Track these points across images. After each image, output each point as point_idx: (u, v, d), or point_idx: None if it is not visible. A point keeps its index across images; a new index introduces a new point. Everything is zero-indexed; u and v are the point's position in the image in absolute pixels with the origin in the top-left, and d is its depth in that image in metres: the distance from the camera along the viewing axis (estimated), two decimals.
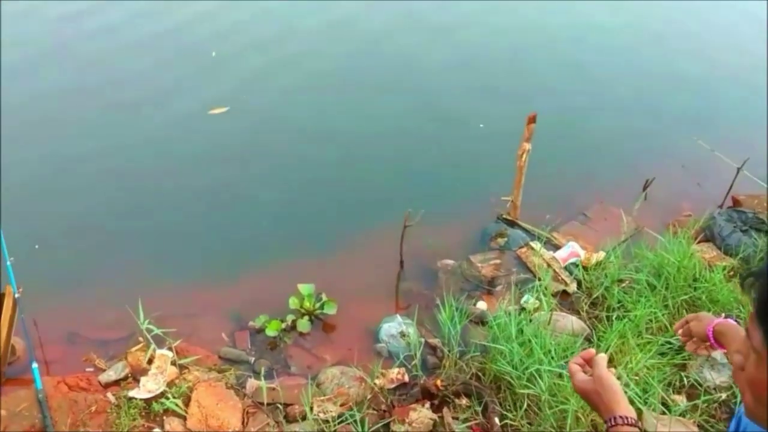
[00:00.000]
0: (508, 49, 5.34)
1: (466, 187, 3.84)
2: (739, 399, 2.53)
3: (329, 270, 3.35)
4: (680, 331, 1.69)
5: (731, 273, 3.16)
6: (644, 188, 3.87)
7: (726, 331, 1.53)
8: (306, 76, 4.83)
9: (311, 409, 2.60)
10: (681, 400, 2.58)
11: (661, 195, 3.85)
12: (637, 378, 2.56)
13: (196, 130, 4.32)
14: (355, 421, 2.49)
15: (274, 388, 2.73)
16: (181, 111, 4.43)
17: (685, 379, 2.67)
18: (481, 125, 4.30)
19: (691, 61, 5.29)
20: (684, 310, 2.94)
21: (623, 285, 3.14)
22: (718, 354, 2.74)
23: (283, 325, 3.07)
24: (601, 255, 3.34)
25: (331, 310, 3.13)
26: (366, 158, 4.12)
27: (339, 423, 2.54)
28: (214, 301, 3.19)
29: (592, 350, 1.43)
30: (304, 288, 3.15)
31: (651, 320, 2.84)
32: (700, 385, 2.65)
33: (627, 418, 1.27)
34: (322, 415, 2.59)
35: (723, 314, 1.81)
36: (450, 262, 3.41)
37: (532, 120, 3.24)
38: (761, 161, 3.85)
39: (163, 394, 2.62)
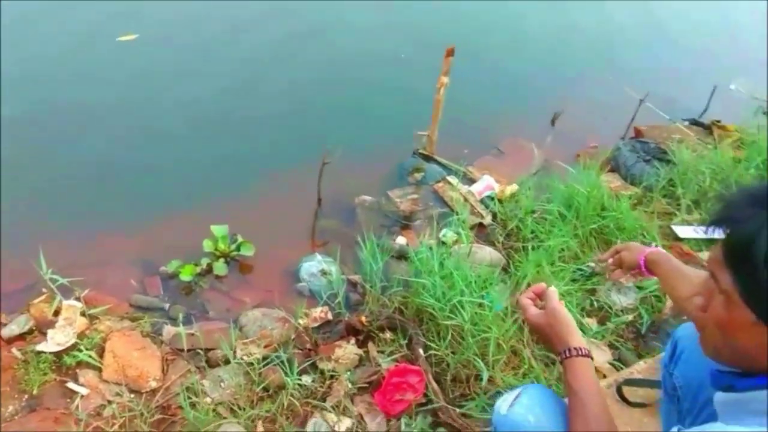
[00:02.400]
0: None
1: (383, 122, 3.79)
2: (646, 319, 2.70)
3: (244, 211, 3.23)
4: (611, 260, 1.75)
5: (635, 202, 3.32)
6: (553, 122, 3.96)
7: (658, 259, 1.59)
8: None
9: (234, 352, 2.54)
10: (593, 323, 2.71)
11: (569, 128, 3.96)
12: None
13: (103, 58, 3.97)
14: (282, 361, 2.46)
15: (193, 334, 2.64)
16: (86, 35, 4.04)
17: (595, 303, 2.81)
18: (403, 55, 4.20)
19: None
20: (593, 238, 3.07)
21: (536, 216, 3.23)
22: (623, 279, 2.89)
23: (198, 269, 2.95)
24: (515, 188, 3.42)
25: (247, 251, 3.04)
26: (280, 95, 3.95)
27: (265, 365, 2.50)
28: (121, 246, 3.01)
29: (543, 284, 1.45)
30: (218, 229, 3.03)
31: (563, 249, 2.95)
32: (610, 308, 2.79)
33: (581, 349, 1.30)
34: (246, 358, 2.53)
35: (653, 243, 1.89)
36: (368, 198, 3.38)
37: (450, 53, 3.19)
38: (662, 93, 4.03)
39: (74, 347, 2.47)
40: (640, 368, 2.34)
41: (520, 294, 1.46)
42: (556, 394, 1.39)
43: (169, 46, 4.20)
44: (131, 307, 2.81)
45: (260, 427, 2.30)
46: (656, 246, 1.67)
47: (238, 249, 3.04)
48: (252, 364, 2.49)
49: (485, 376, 2.39)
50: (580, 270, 2.88)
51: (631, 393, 2.21)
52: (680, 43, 5.11)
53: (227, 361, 2.54)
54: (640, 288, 2.85)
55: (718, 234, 0.96)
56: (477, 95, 4.05)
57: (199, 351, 2.58)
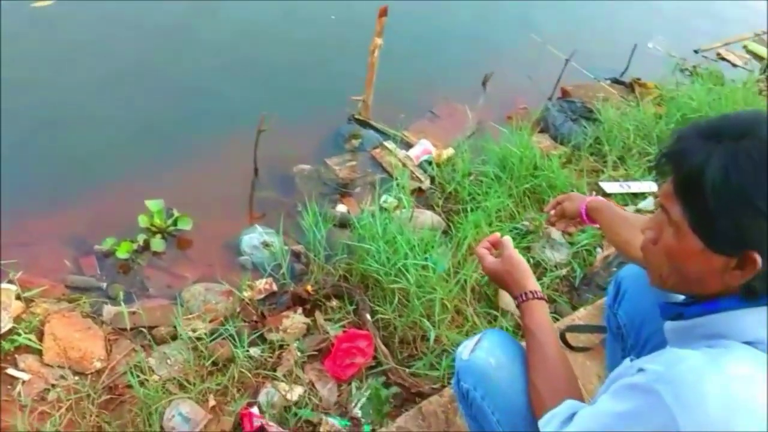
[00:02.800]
0: None
1: (317, 88, 3.74)
2: (579, 273, 2.83)
3: (179, 184, 3.16)
4: (552, 212, 1.82)
5: (565, 160, 3.44)
6: (484, 84, 4.02)
7: (599, 207, 1.66)
8: None
9: (179, 328, 2.51)
10: None
11: (500, 90, 4.03)
12: None
13: (18, 25, 3.73)
14: (231, 335, 2.45)
15: (135, 312, 2.58)
16: None
17: (531, 260, 2.92)
18: (333, 16, 4.13)
19: None
20: (527, 198, 3.17)
21: (473, 178, 3.30)
22: (556, 234, 3.01)
23: (135, 246, 2.88)
24: (451, 151, 3.47)
25: (185, 225, 2.97)
26: (209, 62, 3.83)
27: (213, 339, 2.48)
28: (52, 226, 2.89)
29: (497, 234, 1.50)
30: (153, 204, 2.94)
31: (500, 209, 3.03)
32: (544, 265, 2.91)
33: (536, 292, 1.36)
34: (193, 334, 2.50)
35: (593, 193, 1.97)
36: (306, 167, 3.36)
37: (383, 13, 3.18)
38: (586, 53, 4.14)
39: (11, 331, 2.37)
40: (580, 315, 2.47)
41: (476, 245, 1.51)
42: (514, 338, 1.45)
43: (92, 11, 3.98)
44: (68, 288, 2.72)
45: (212, 401, 2.29)
46: (595, 196, 1.75)
47: (175, 224, 2.97)
48: (199, 339, 2.47)
49: (432, 335, 2.46)
50: (517, 229, 2.98)
51: (574, 339, 2.33)
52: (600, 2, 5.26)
53: (174, 338, 2.51)
54: (572, 244, 2.97)
55: (668, 168, 1.02)
56: (409, 59, 4.05)
57: (143, 329, 2.53)
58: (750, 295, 0.99)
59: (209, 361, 2.38)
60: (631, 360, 1.05)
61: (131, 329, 2.55)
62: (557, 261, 2.94)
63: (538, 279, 2.82)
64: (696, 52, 4.57)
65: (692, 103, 3.57)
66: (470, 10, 4.70)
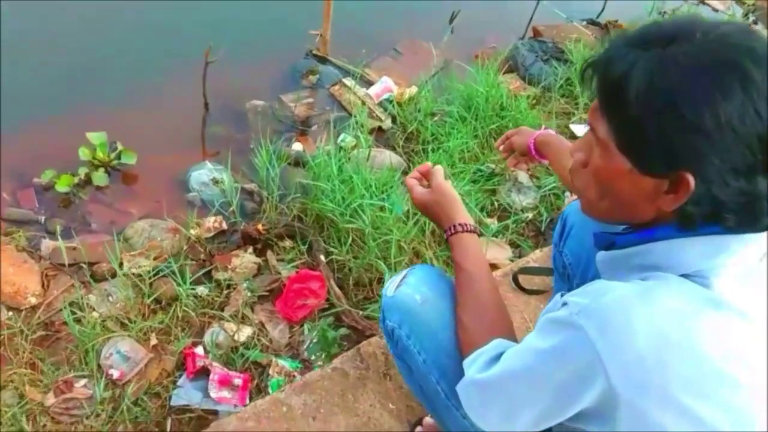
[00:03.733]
0: None
1: (271, 19, 3.52)
2: (545, 216, 2.75)
3: (123, 117, 2.96)
4: (501, 147, 1.71)
5: (534, 101, 3.33)
6: (451, 21, 3.85)
7: (547, 141, 1.56)
8: None
9: (121, 265, 2.37)
10: (493, 222, 2.73)
11: (468, 28, 3.86)
12: None
13: None
14: (173, 272, 2.32)
15: (74, 248, 2.43)
16: None
17: (495, 203, 2.83)
18: None
19: None
20: (492, 139, 3.06)
21: (436, 118, 3.17)
22: (524, 177, 2.92)
23: (76, 180, 2.70)
24: (414, 90, 3.33)
25: (129, 159, 2.80)
26: None
27: (156, 277, 2.35)
28: None
29: (429, 163, 1.39)
30: (95, 136, 2.76)
31: (463, 150, 2.92)
32: (510, 208, 2.82)
33: (466, 224, 1.26)
34: (134, 270, 2.37)
35: (543, 126, 1.86)
36: (259, 102, 3.18)
37: None
38: None
39: None
40: (535, 257, 2.40)
41: (407, 177, 1.41)
42: (444, 273, 1.37)
43: None
44: (4, 222, 2.55)
45: (153, 340, 2.18)
46: (546, 129, 1.64)
47: (118, 157, 2.80)
48: (141, 276, 2.34)
49: (387, 277, 2.36)
50: (481, 171, 2.88)
51: (527, 281, 2.26)
52: None
53: (114, 275, 2.37)
54: (539, 187, 2.89)
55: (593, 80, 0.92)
56: None
57: (83, 265, 2.39)
58: (686, 223, 0.88)
59: (151, 299, 2.25)
60: (562, 295, 0.96)
61: (71, 265, 2.41)
62: (524, 205, 2.85)
63: (502, 222, 2.76)
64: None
65: None
66: None
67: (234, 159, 2.80)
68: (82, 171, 2.71)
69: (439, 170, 1.35)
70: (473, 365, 1.07)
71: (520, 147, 1.62)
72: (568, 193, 2.84)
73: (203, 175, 2.82)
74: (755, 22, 4.44)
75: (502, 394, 0.99)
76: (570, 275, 1.51)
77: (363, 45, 3.49)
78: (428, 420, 1.75)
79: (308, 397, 1.83)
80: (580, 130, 3.19)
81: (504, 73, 3.50)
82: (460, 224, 1.26)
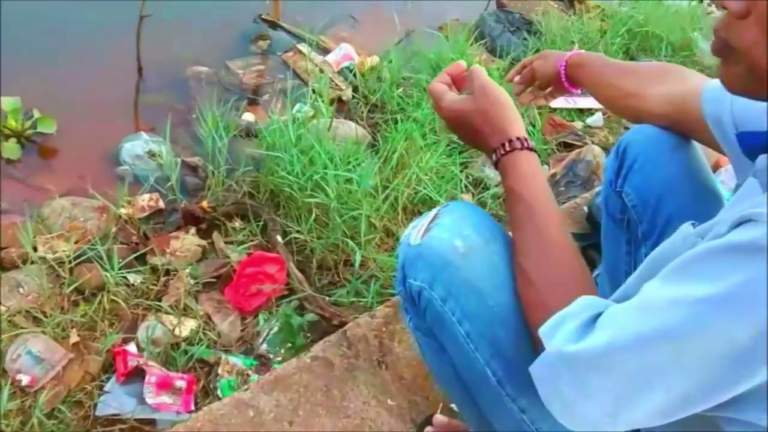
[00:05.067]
0: None
1: None
2: None
3: (42, 80, 2.52)
4: (517, 78, 1.40)
5: (504, 73, 3.06)
6: None
7: (582, 62, 1.24)
8: None
9: (35, 249, 1.96)
10: (468, 197, 2.44)
11: (429, 1, 3.58)
12: (427, 177, 2.35)
13: None
14: (100, 257, 1.92)
15: None
16: None
17: (469, 176, 2.53)
18: None
19: None
20: None
21: (401, 90, 2.86)
22: None
23: None
24: (376, 60, 3.01)
25: (48, 128, 2.37)
26: None
27: (77, 262, 1.95)
28: None
29: (462, 62, 1.05)
30: (7, 102, 2.32)
31: (434, 119, 2.62)
32: (483, 183, 2.54)
33: (525, 139, 0.93)
34: (51, 255, 1.96)
35: (575, 46, 1.55)
36: (203, 69, 2.79)
37: None
38: None
39: None
40: None
41: (431, 83, 1.05)
42: (487, 213, 1.03)
43: None
44: None
45: (74, 336, 1.78)
46: (578, 50, 1.33)
47: (35, 127, 2.37)
48: (61, 261, 1.94)
49: (357, 257, 2.03)
50: (455, 142, 2.57)
51: None
52: None
53: (27, 261, 1.96)
54: None
55: None
56: None
57: None
58: None
59: (71, 288, 1.85)
60: (694, 226, 0.66)
61: None
62: (498, 180, 2.56)
63: (476, 197, 2.47)
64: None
65: (638, 17, 3.27)
66: None
67: (174, 130, 2.41)
68: None
69: (481, 70, 1.00)
70: (558, 333, 0.74)
71: (546, 75, 1.30)
72: (546, 167, 2.58)
73: (137, 147, 2.41)
74: None
75: (613, 372, 0.67)
76: (633, 220, 1.19)
77: (317, 11, 3.16)
78: (440, 418, 1.40)
79: (282, 396, 1.46)
80: (553, 102, 2.93)
81: (471, 45, 3.22)
82: (518, 139, 0.92)
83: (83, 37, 2.72)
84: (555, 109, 2.91)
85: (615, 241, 1.27)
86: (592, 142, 2.76)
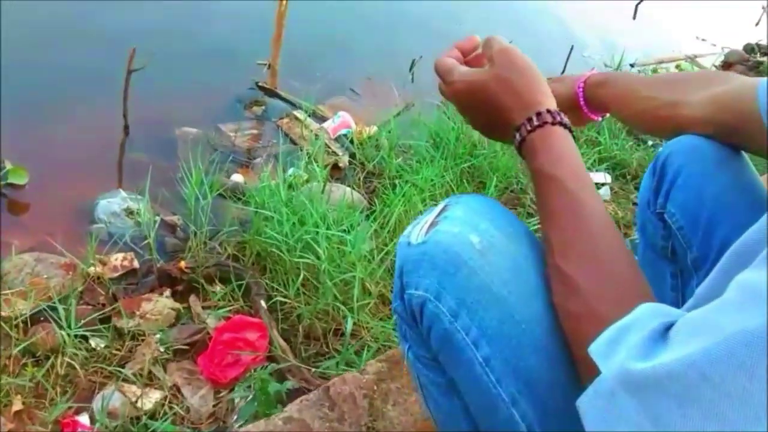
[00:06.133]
0: None
1: (212, 48, 3.09)
2: None
3: (18, 132, 2.37)
4: None
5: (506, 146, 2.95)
6: (410, 68, 3.53)
7: (605, 80, 1.06)
8: None
9: None
10: None
11: (429, 76, 3.52)
12: None
13: None
14: (59, 317, 1.70)
15: None
16: None
17: None
18: None
19: None
20: (466, 179, 2.64)
21: (399, 159, 2.73)
22: None
23: None
24: (374, 129, 2.90)
25: (18, 179, 2.20)
26: None
27: (32, 320, 1.73)
28: None
29: (476, 36, 0.88)
30: None
31: (435, 185, 2.47)
32: None
33: (556, 112, 0.75)
34: (4, 313, 1.73)
35: (593, 69, 1.40)
36: (192, 130, 2.67)
37: None
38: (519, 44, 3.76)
39: None
40: None
41: (438, 58, 0.87)
42: (505, 208, 0.82)
43: None
44: None
45: (17, 404, 1.52)
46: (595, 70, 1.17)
47: (6, 177, 2.20)
48: (14, 318, 1.71)
49: (349, 323, 1.81)
50: None
51: None
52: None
53: None
54: None
55: None
56: (326, 30, 3.51)
57: None
58: None
59: (18, 348, 1.62)
60: None
61: None
62: None
63: None
64: (632, 66, 4.31)
65: None
66: None
67: (156, 189, 2.26)
68: None
69: (499, 38, 0.81)
70: (618, 350, 0.54)
71: (561, 99, 1.12)
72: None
73: (114, 204, 2.24)
74: None
75: (710, 394, 0.46)
76: (679, 246, 0.97)
77: (316, 82, 3.09)
78: None
79: None
80: None
81: None
82: (549, 111, 0.73)
83: (68, 88, 2.61)
84: None
85: (656, 275, 1.05)
86: None
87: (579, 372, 0.64)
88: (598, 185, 2.80)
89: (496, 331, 0.69)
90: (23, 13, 2.95)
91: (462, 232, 0.71)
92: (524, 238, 0.74)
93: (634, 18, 5.23)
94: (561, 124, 0.72)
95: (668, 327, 0.52)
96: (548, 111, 0.73)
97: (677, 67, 4.50)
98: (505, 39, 0.80)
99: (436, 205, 1.93)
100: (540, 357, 0.69)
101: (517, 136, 0.74)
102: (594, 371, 0.55)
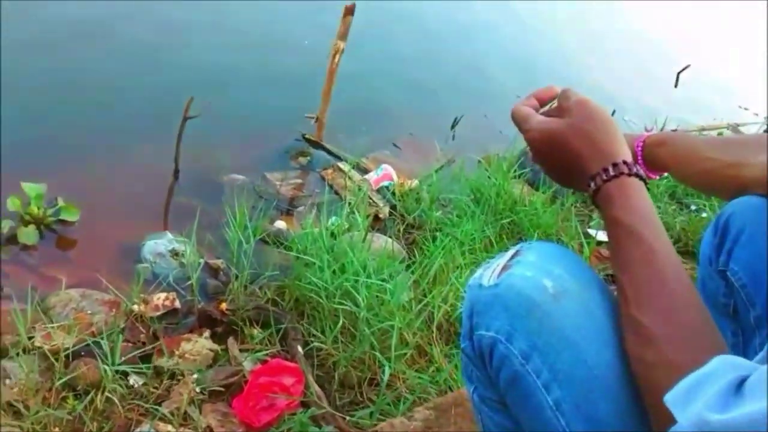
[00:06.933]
0: None
1: (263, 100, 3.20)
2: None
3: (74, 171, 2.49)
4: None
5: (551, 198, 2.95)
6: (453, 126, 3.59)
7: (663, 140, 1.07)
8: None
9: (30, 338, 1.78)
10: None
11: (470, 134, 3.59)
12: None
13: None
14: (103, 354, 1.73)
15: None
16: None
17: None
18: (306, 42, 3.64)
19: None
20: (506, 235, 2.63)
21: (440, 213, 2.76)
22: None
23: None
24: (415, 183, 2.94)
25: (70, 216, 2.28)
26: (140, 55, 3.28)
27: (75, 354, 1.75)
28: None
29: (555, 86, 0.90)
30: (31, 188, 2.25)
31: (475, 238, 2.47)
32: None
33: (632, 165, 0.76)
34: (47, 346, 1.77)
35: (651, 128, 1.39)
36: (240, 177, 2.74)
37: (350, 12, 2.73)
38: None
39: None
40: None
41: (515, 105, 0.90)
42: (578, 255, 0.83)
43: None
44: None
45: None
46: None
47: (57, 214, 2.28)
48: (57, 352, 1.74)
49: (386, 373, 1.80)
50: None
51: None
52: (577, 62, 5.11)
53: (23, 351, 1.77)
54: None
55: None
56: (373, 88, 3.62)
57: None
58: None
59: (60, 381, 1.64)
60: None
61: None
62: None
63: None
64: (674, 131, 4.30)
65: None
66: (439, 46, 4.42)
67: (201, 232, 2.31)
68: (6, 224, 2.17)
69: (575, 90, 0.84)
70: (695, 400, 0.55)
71: None
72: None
73: (160, 245, 2.30)
74: None
75: None
76: (741, 304, 0.96)
77: (360, 137, 3.16)
78: None
79: None
80: (602, 234, 2.78)
81: (512, 178, 3.15)
82: (625, 163, 0.75)
83: (124, 131, 2.72)
84: (601, 242, 2.74)
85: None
86: None
87: (652, 420, 0.64)
88: None
89: (567, 375, 0.70)
90: (91, 60, 3.11)
91: (535, 276, 0.73)
92: (596, 286, 0.76)
93: (676, 86, 5.24)
94: (637, 175, 0.74)
95: (743, 380, 0.53)
96: (624, 162, 0.74)
97: (719, 135, 4.47)
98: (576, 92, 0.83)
99: (476, 258, 1.93)
100: (611, 403, 0.69)
101: (593, 185, 0.76)
102: (668, 420, 0.55)
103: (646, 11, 6.73)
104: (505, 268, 0.75)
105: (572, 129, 0.78)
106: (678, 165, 1.05)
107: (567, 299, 0.72)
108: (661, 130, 3.91)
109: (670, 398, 0.57)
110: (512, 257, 0.77)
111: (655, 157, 1.07)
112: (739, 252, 0.96)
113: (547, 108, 0.87)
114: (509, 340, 0.73)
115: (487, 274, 0.77)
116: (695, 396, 0.54)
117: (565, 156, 0.79)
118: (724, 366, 0.56)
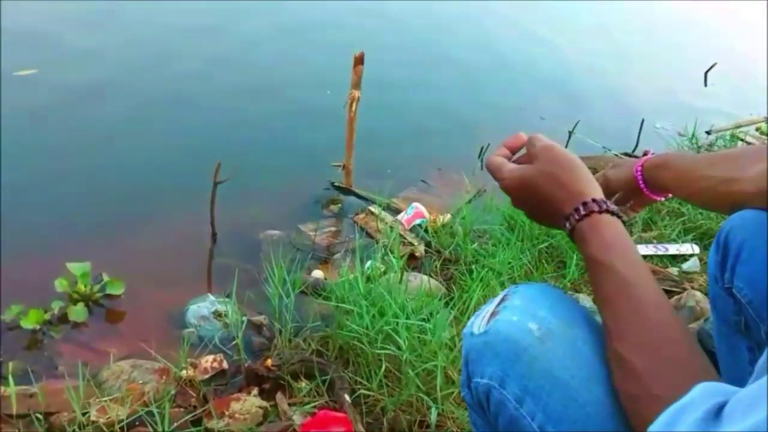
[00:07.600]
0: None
1: (290, 153, 3.28)
2: None
3: (114, 247, 2.57)
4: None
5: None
6: (480, 155, 3.59)
7: (664, 162, 1.07)
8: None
9: (85, 414, 1.83)
10: None
11: None
12: None
13: None
14: (154, 421, 1.77)
15: (32, 395, 1.91)
16: None
17: None
18: (329, 92, 3.73)
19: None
20: (544, 260, 2.61)
21: (475, 245, 2.75)
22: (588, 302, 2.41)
23: (48, 316, 2.24)
24: (448, 217, 2.95)
25: (116, 290, 2.35)
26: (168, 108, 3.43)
27: (129, 426, 1.79)
28: None
29: (522, 134, 0.94)
30: (77, 267, 2.34)
31: (513, 267, 2.46)
32: None
33: (603, 201, 0.78)
34: (103, 420, 1.81)
35: (650, 151, 1.38)
36: (276, 232, 2.79)
37: (360, 61, 2.79)
38: (590, 130, 3.79)
39: None
40: None
41: (488, 156, 0.95)
42: (566, 294, 0.85)
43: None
44: None
45: None
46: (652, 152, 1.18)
47: (103, 289, 2.36)
48: (112, 426, 1.78)
49: (434, 414, 1.79)
50: None
51: None
52: (602, 79, 5.10)
53: (80, 426, 1.82)
54: None
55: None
56: (391, 128, 3.67)
57: (38, 415, 1.84)
58: None
59: None
60: None
61: (21, 416, 1.86)
62: None
63: None
64: (708, 133, 4.22)
65: None
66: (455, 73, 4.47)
67: (242, 291, 2.37)
68: (56, 305, 2.26)
69: (540, 136, 0.89)
70: (676, 428, 0.55)
71: (621, 184, 1.13)
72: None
73: (203, 308, 2.35)
74: None
75: None
76: (751, 320, 0.95)
77: (388, 177, 3.19)
78: None
79: None
80: (642, 249, 2.72)
81: None
82: (594, 201, 0.78)
83: (160, 201, 2.82)
84: (645, 257, 2.69)
85: (733, 350, 1.02)
86: (692, 287, 2.49)
87: None
88: (686, 257, 2.70)
89: (561, 415, 0.72)
90: (116, 136, 3.25)
91: (521, 320, 0.76)
92: (583, 323, 0.78)
93: (705, 85, 5.16)
94: (608, 211, 0.76)
95: (723, 405, 0.53)
96: (594, 200, 0.76)
97: (757, 129, 4.37)
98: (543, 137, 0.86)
99: None
100: None
101: (567, 225, 0.78)
102: None
103: (662, 17, 6.71)
104: (493, 314, 0.79)
105: (540, 173, 0.82)
106: (678, 186, 1.06)
107: (553, 340, 0.74)
108: (693, 134, 3.85)
109: (653, 430, 0.57)
110: (500, 302, 0.80)
111: (656, 179, 1.08)
112: (742, 268, 0.97)
113: (517, 155, 0.91)
114: (502, 385, 0.75)
115: (478, 321, 0.80)
116: (675, 426, 0.55)
117: (539, 199, 0.83)
118: (704, 393, 0.56)
